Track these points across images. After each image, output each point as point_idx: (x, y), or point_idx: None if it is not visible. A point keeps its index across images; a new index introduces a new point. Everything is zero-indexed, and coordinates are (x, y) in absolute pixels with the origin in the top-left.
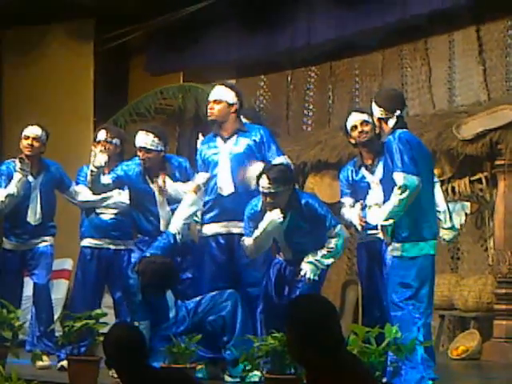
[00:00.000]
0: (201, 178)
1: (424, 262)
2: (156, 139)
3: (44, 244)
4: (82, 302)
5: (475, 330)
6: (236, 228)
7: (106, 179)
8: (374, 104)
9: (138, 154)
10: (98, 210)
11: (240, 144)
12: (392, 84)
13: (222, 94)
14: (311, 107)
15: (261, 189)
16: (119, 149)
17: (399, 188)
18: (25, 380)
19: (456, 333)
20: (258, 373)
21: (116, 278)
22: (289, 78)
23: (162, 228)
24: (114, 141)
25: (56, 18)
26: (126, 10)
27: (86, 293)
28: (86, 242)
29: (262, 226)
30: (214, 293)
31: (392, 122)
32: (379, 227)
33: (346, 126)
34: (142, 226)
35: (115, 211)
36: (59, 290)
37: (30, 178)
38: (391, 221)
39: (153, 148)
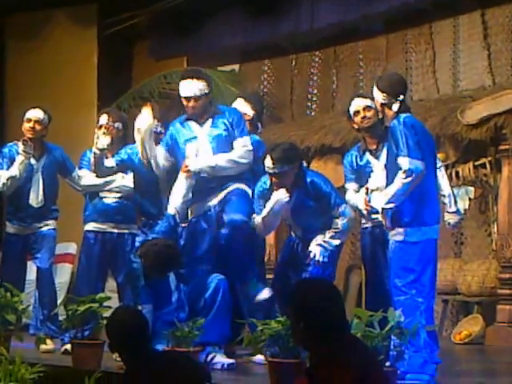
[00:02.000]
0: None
1: (427, 247)
2: (155, 122)
3: (47, 228)
4: (86, 285)
5: (478, 315)
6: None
7: (110, 162)
8: (376, 89)
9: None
10: (101, 194)
11: (218, 125)
12: (396, 68)
13: (195, 90)
14: (315, 92)
15: (266, 169)
16: (121, 132)
17: (404, 172)
18: (28, 363)
19: (459, 317)
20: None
21: (119, 262)
22: (293, 63)
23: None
24: (116, 124)
25: (59, 3)
26: None
27: (90, 277)
28: (90, 226)
29: (269, 205)
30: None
31: (396, 106)
32: (380, 210)
33: (349, 111)
34: (146, 210)
35: (118, 195)
36: (63, 274)
37: (33, 161)
38: (392, 205)
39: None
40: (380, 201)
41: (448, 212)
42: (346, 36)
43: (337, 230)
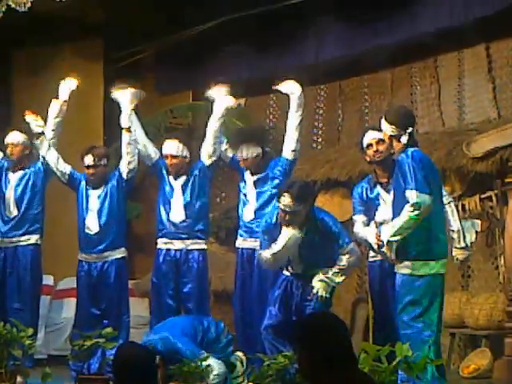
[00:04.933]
0: None
1: (434, 281)
2: (181, 145)
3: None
4: (84, 318)
5: (486, 348)
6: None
7: None
8: (384, 122)
9: (166, 160)
10: (85, 222)
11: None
12: (401, 102)
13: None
14: (321, 125)
15: (282, 206)
16: (108, 165)
17: (412, 205)
18: None
19: (467, 351)
20: None
21: (102, 291)
22: None
23: (171, 217)
24: (102, 161)
25: (65, 38)
26: (135, 30)
27: (86, 310)
28: (79, 256)
29: (282, 241)
30: None
31: (404, 138)
32: (385, 243)
33: (362, 143)
34: (160, 216)
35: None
36: (69, 309)
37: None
38: (399, 237)
39: (178, 154)
40: (386, 233)
41: (456, 247)
42: (351, 70)
43: (342, 267)
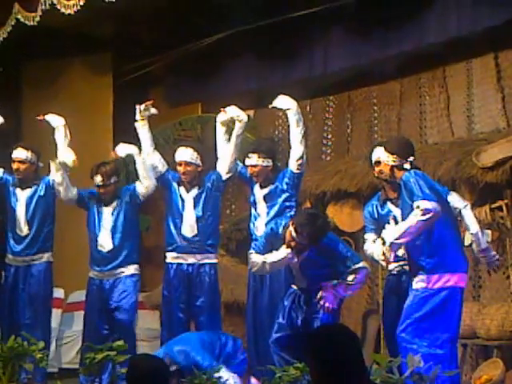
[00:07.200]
0: None
1: (450, 295)
2: (195, 153)
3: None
4: (93, 331)
5: (498, 359)
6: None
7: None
8: (384, 152)
9: (178, 167)
10: (98, 241)
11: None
12: (410, 112)
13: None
14: (330, 136)
15: (288, 236)
16: (118, 181)
17: (421, 210)
18: None
19: (479, 362)
20: None
21: (107, 309)
22: (307, 108)
23: (183, 231)
24: (112, 180)
25: (75, 51)
26: (144, 43)
27: (94, 324)
28: (91, 273)
29: (276, 257)
30: None
31: (407, 165)
32: (387, 244)
33: (370, 158)
34: (170, 230)
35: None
36: (80, 322)
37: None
38: (402, 240)
39: (192, 161)
40: (390, 234)
41: (479, 250)
42: (359, 80)
43: (350, 283)
